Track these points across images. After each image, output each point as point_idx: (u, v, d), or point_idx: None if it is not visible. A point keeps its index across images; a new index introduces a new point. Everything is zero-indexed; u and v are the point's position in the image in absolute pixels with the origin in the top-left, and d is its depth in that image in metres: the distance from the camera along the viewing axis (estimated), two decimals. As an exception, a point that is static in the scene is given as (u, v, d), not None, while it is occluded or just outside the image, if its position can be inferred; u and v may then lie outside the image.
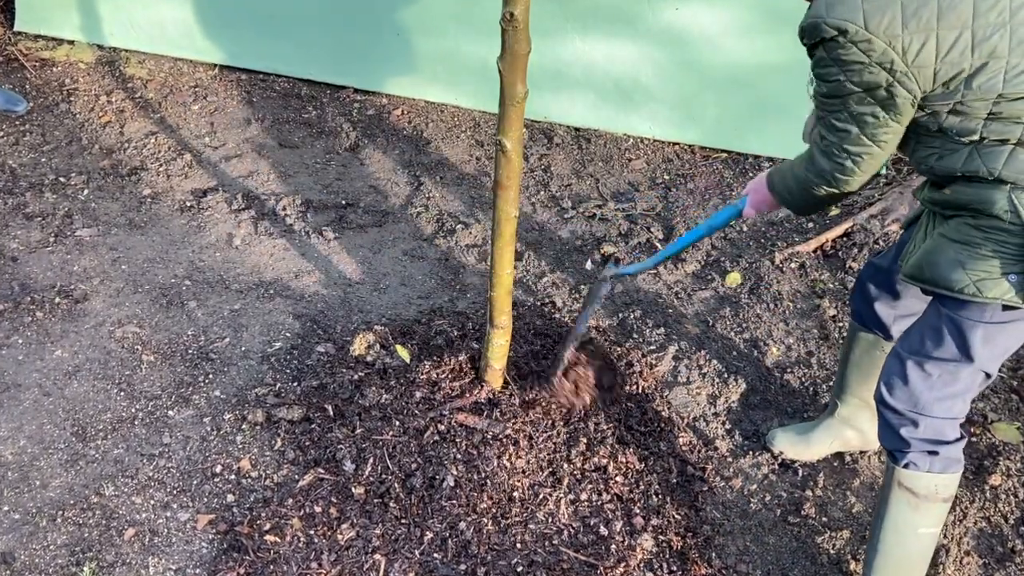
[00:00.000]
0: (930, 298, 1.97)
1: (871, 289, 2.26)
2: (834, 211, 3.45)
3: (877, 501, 2.15)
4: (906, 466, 2.02)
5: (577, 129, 3.89)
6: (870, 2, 1.66)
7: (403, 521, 2.29)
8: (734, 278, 3.19)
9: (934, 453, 2.00)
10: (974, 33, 1.64)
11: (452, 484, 2.34)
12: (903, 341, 2.00)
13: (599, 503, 2.39)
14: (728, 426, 2.68)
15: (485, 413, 2.51)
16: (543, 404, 2.56)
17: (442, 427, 2.47)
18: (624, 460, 2.48)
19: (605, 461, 2.46)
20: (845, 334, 2.50)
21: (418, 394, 2.56)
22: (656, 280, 3.19)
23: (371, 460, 2.41)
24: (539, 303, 3.07)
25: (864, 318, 2.31)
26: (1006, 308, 1.79)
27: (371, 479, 2.37)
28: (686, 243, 2.43)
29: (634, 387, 2.74)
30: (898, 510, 2.07)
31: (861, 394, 2.43)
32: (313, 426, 2.54)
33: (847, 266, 3.20)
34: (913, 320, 2.25)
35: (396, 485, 2.35)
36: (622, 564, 2.25)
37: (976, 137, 1.72)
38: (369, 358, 2.73)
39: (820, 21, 1.70)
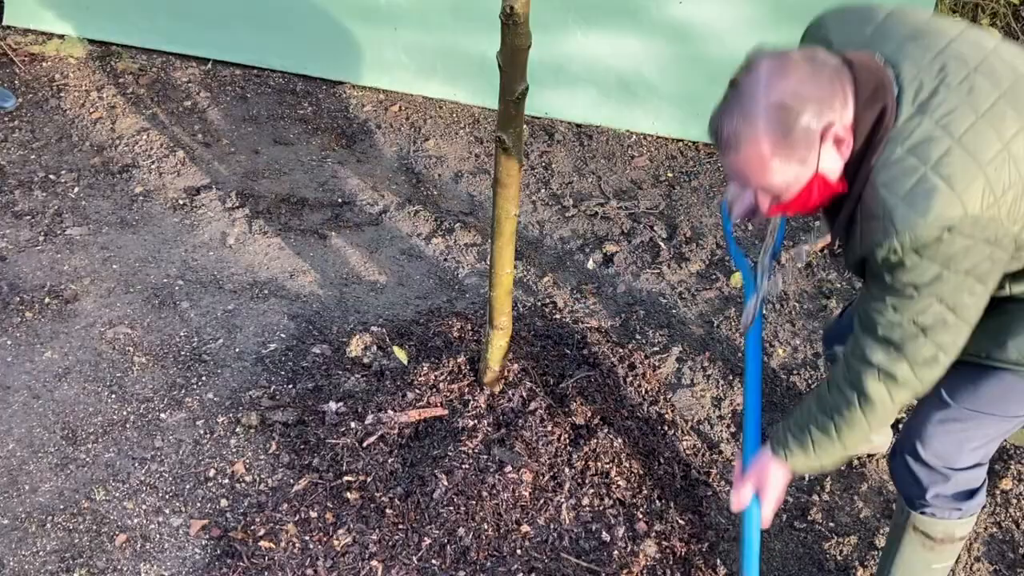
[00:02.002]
0: None
1: (839, 353, 2.20)
2: None
3: (888, 536, 2.14)
4: (923, 513, 1.97)
5: (579, 125, 3.89)
6: (961, 183, 1.46)
7: (400, 527, 2.29)
8: (739, 278, 3.19)
9: (956, 509, 1.96)
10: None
11: (451, 489, 2.34)
12: (948, 389, 1.84)
13: (601, 508, 2.39)
14: (733, 429, 2.68)
15: (484, 416, 2.51)
16: (543, 406, 2.56)
17: (440, 431, 2.47)
18: (626, 464, 2.48)
19: (607, 465, 2.46)
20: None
21: (415, 396, 2.56)
22: (659, 280, 3.19)
23: (368, 464, 2.41)
24: (540, 303, 3.07)
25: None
26: None
27: (368, 484, 2.37)
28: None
29: (637, 389, 2.74)
30: (911, 550, 2.04)
31: None
32: (308, 429, 2.54)
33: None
34: None
35: (393, 490, 2.35)
36: (625, 570, 2.25)
37: None
38: (366, 360, 2.73)
39: (919, 228, 1.47)
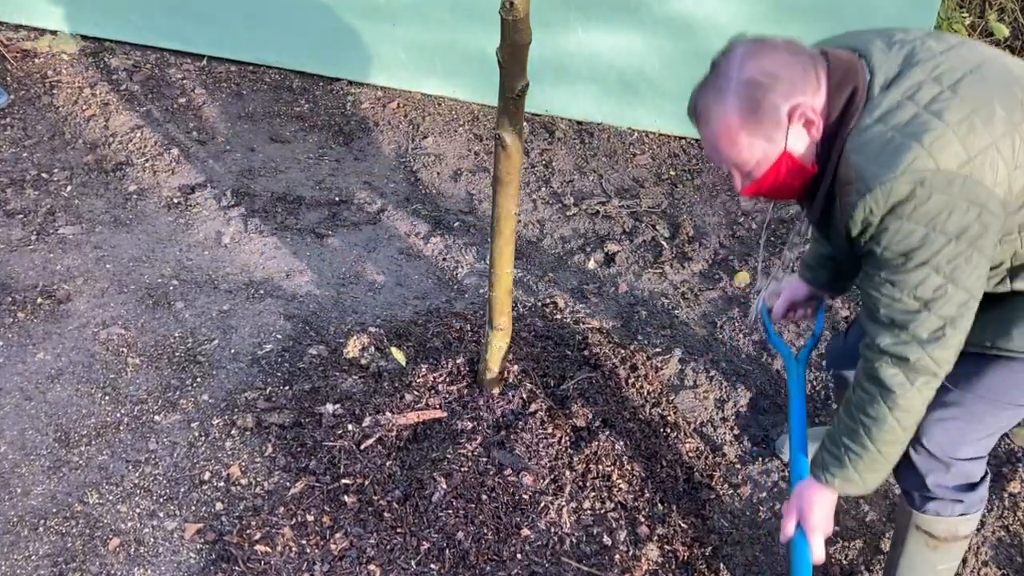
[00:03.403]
0: None
1: (845, 375, 2.22)
2: None
3: (892, 538, 2.14)
4: (925, 512, 1.98)
5: (580, 123, 3.89)
6: (928, 137, 1.51)
7: (399, 530, 2.29)
8: (743, 277, 3.19)
9: (958, 502, 1.97)
10: (1020, 134, 1.58)
11: (449, 492, 2.34)
12: (951, 378, 1.80)
13: (602, 511, 2.39)
14: (736, 432, 2.69)
15: (484, 418, 2.51)
16: (543, 408, 2.56)
17: (439, 433, 2.47)
18: (628, 467, 2.48)
19: (608, 468, 2.46)
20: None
21: (413, 398, 2.56)
22: (661, 280, 3.20)
23: (365, 467, 2.41)
24: (540, 304, 3.07)
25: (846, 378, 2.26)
26: None
27: (365, 487, 2.37)
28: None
29: (638, 391, 2.74)
30: (915, 551, 2.05)
31: None
32: (305, 431, 2.54)
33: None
34: None
35: (391, 493, 2.35)
36: (626, 575, 2.25)
37: None
38: (363, 361, 2.74)
39: (889, 183, 1.51)
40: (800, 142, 1.63)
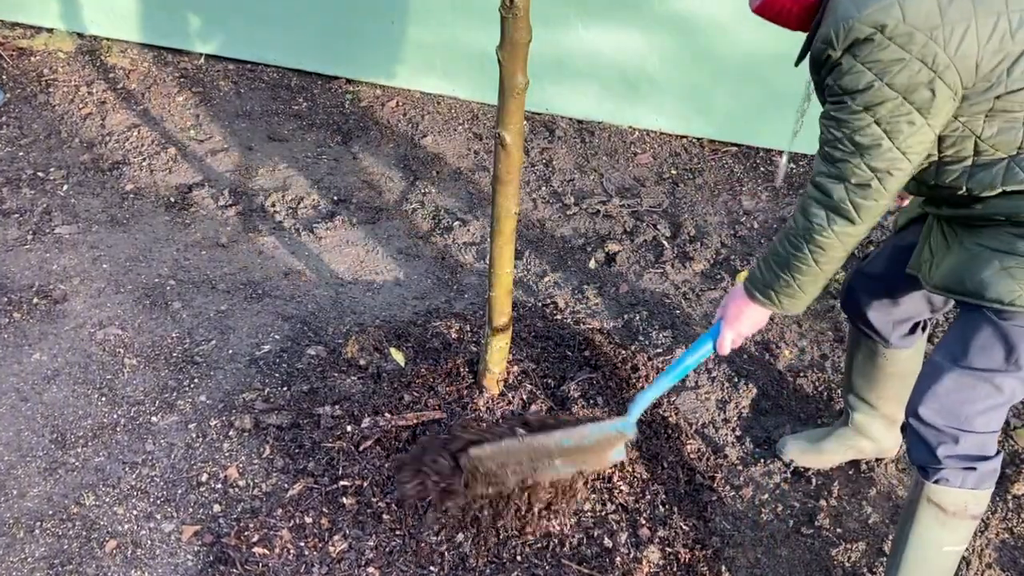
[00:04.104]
0: (948, 303, 1.95)
1: (863, 299, 2.25)
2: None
3: (901, 514, 2.15)
4: (937, 481, 2.00)
5: (580, 121, 3.89)
6: None
7: (398, 533, 2.29)
8: (744, 278, 3.19)
9: (971, 469, 1.98)
10: (1010, 19, 1.63)
11: (449, 494, 2.34)
12: (940, 351, 1.96)
13: (603, 513, 2.39)
14: (738, 433, 2.69)
15: (483, 419, 2.51)
16: (544, 409, 2.56)
17: (438, 435, 2.47)
18: (629, 468, 2.48)
19: (609, 470, 2.46)
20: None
21: (412, 399, 2.56)
22: (663, 280, 3.20)
23: (364, 468, 2.41)
24: (540, 304, 3.07)
25: (859, 324, 2.31)
26: None
27: (364, 488, 2.37)
28: (658, 392, 2.23)
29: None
30: (924, 526, 2.06)
31: (870, 399, 2.43)
32: (303, 433, 2.54)
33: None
34: (912, 324, 2.26)
35: (390, 494, 2.35)
36: (627, 577, 2.25)
37: (1018, 146, 1.71)
38: (362, 361, 2.74)
39: (852, 21, 1.62)
40: None
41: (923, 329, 2.30)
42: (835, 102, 1.72)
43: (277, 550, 2.27)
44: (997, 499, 2.50)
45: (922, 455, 2.01)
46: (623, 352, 2.86)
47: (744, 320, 2.03)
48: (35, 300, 2.97)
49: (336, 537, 2.29)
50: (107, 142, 3.67)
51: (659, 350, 2.91)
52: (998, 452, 2.01)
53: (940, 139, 1.75)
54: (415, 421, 2.50)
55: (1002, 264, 1.78)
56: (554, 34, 3.67)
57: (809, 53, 1.77)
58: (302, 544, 2.28)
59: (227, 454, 2.54)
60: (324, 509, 2.35)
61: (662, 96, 3.75)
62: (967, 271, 1.83)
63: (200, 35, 4.10)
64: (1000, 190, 1.75)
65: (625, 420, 2.25)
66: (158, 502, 2.42)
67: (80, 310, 2.96)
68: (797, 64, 1.89)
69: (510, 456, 2.18)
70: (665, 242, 3.34)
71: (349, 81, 4.06)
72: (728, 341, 2.06)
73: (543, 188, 3.59)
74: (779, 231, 1.88)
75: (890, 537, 2.42)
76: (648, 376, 2.78)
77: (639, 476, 2.48)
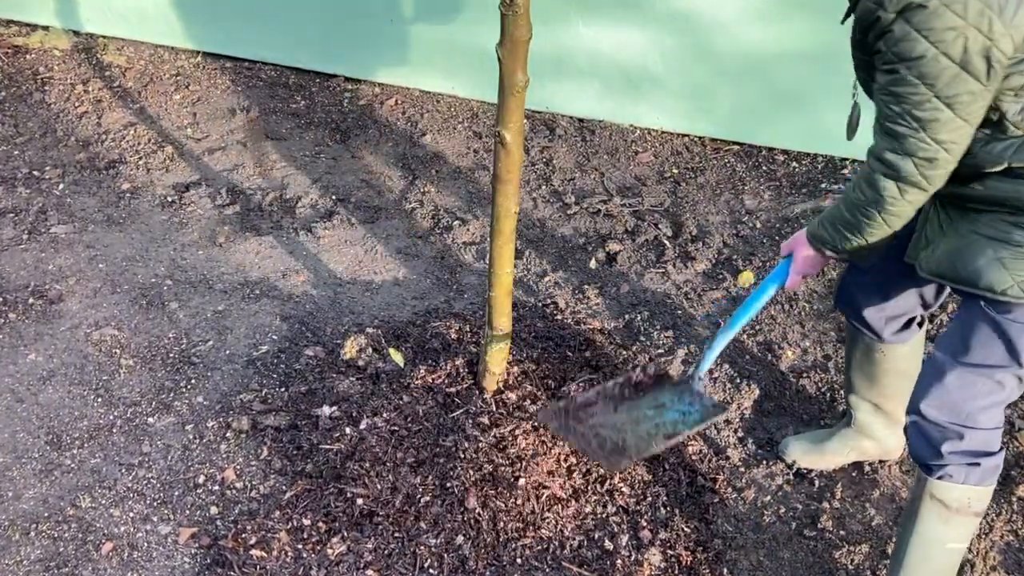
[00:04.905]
0: (943, 295, 1.96)
1: (856, 294, 2.26)
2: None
3: (904, 512, 2.15)
4: (940, 478, 2.01)
5: (581, 120, 3.89)
6: None
7: (396, 535, 2.29)
8: (747, 277, 3.19)
9: (974, 465, 1.99)
10: None
11: (448, 496, 2.34)
12: (940, 346, 1.96)
13: (604, 516, 2.39)
14: (741, 434, 2.69)
15: (482, 421, 2.51)
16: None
17: (437, 436, 2.47)
18: (630, 470, 2.48)
19: (610, 472, 2.46)
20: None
21: (411, 400, 2.55)
22: (664, 280, 3.20)
23: (363, 470, 2.41)
24: (541, 304, 3.07)
25: (853, 321, 2.32)
26: None
27: (363, 490, 2.37)
28: (735, 328, 2.27)
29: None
30: (927, 523, 2.06)
31: (871, 397, 2.43)
32: (301, 434, 2.54)
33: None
34: (905, 320, 2.27)
35: (389, 496, 2.35)
36: (628, 580, 2.25)
37: None
38: (361, 362, 2.74)
39: None
40: None
41: (919, 325, 2.30)
42: (888, 71, 1.68)
43: (275, 552, 2.27)
44: (1002, 501, 2.50)
45: (925, 452, 2.02)
46: (624, 353, 2.86)
47: (811, 265, 2.07)
48: (30, 300, 2.97)
49: (335, 539, 2.29)
50: (103, 141, 3.67)
51: (660, 351, 2.91)
52: (1001, 448, 2.01)
53: None
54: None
55: (996, 253, 1.79)
56: (554, 31, 3.67)
57: (855, 10, 1.73)
58: (300, 546, 2.28)
59: (224, 456, 2.54)
60: (322, 511, 2.35)
61: (663, 94, 3.75)
62: (960, 258, 1.84)
63: (197, 33, 4.10)
64: (1005, 165, 1.75)
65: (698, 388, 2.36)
66: (155, 504, 2.42)
67: (76, 310, 2.96)
68: (843, 22, 1.84)
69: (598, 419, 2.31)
70: (666, 242, 3.34)
71: (348, 79, 4.07)
72: (799, 280, 2.11)
73: (543, 187, 3.59)
74: (841, 199, 1.91)
75: (893, 539, 2.42)
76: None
77: (640, 478, 2.48)
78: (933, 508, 2.04)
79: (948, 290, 2.15)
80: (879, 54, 1.69)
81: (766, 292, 2.18)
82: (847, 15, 1.83)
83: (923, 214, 1.98)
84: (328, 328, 2.94)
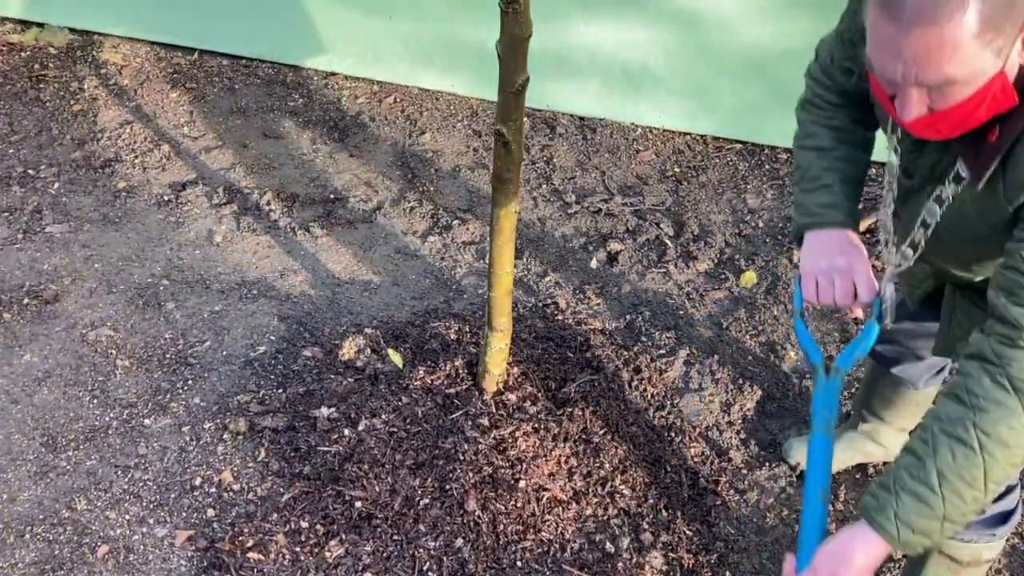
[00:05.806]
0: None
1: (887, 354, 2.19)
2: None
3: (907, 561, 2.13)
4: (952, 538, 1.89)
5: (582, 118, 3.89)
6: None
7: (395, 537, 2.29)
8: (749, 277, 3.19)
9: (991, 535, 1.95)
10: None
11: (447, 498, 2.34)
12: None
13: (605, 518, 2.39)
14: (743, 436, 2.69)
15: (482, 422, 2.51)
16: (544, 412, 2.56)
17: (436, 438, 2.47)
18: (631, 472, 2.48)
19: (611, 473, 2.46)
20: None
21: (410, 401, 2.55)
22: (666, 280, 3.19)
23: (361, 472, 2.40)
24: (541, 304, 3.07)
25: (887, 368, 2.24)
26: None
27: (361, 492, 2.37)
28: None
29: (642, 394, 2.74)
30: (936, 573, 2.03)
31: (883, 416, 2.42)
32: (299, 435, 2.54)
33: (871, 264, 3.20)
34: (940, 368, 2.19)
35: (388, 499, 2.35)
36: (630, 583, 2.25)
37: None
38: (359, 363, 2.73)
39: None
40: (1016, 62, 1.29)
41: (951, 372, 2.28)
42: None
43: (272, 555, 2.27)
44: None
45: None
46: (625, 353, 2.86)
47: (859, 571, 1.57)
48: (25, 300, 2.97)
49: (332, 542, 2.29)
50: (99, 139, 3.67)
51: (662, 351, 2.91)
52: (1018, 504, 1.94)
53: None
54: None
55: None
56: (555, 29, 3.67)
57: (1008, 185, 1.37)
58: (298, 549, 2.28)
59: (221, 457, 2.54)
60: (320, 513, 2.35)
61: (665, 92, 3.75)
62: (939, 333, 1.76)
63: (194, 30, 4.10)
64: None
65: None
66: (151, 506, 2.42)
67: (71, 310, 2.96)
68: (977, 186, 1.41)
69: None
70: (668, 241, 3.34)
71: (346, 77, 4.06)
72: None
73: (544, 186, 3.59)
74: (914, 443, 1.45)
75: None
76: (650, 378, 2.78)
77: (641, 480, 2.48)
78: (942, 562, 1.99)
79: None
80: None
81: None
82: (978, 184, 1.41)
83: (946, 307, 1.79)
84: (326, 328, 2.94)
